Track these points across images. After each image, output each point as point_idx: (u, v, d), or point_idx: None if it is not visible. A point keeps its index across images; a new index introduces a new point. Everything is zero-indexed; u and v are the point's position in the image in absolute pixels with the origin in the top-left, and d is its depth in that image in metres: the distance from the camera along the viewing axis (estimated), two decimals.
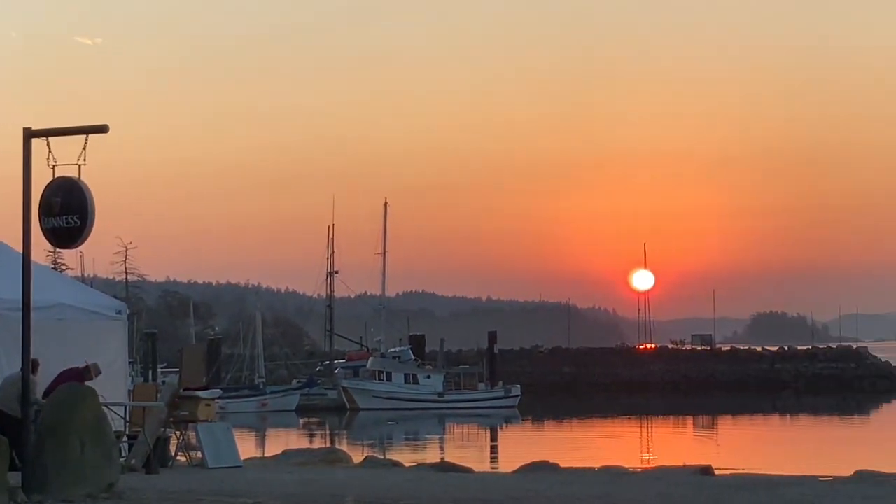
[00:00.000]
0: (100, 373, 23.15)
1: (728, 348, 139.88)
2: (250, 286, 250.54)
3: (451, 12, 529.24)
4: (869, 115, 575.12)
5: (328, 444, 62.30)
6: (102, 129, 17.92)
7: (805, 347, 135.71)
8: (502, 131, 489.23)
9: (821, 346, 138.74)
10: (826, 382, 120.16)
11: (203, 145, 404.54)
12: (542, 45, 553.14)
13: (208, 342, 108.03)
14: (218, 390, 37.10)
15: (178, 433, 26.54)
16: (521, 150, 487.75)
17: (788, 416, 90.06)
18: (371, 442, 69.37)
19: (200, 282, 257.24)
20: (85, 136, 17.83)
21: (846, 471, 26.47)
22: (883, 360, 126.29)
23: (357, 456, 33.04)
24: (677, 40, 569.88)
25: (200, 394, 26.56)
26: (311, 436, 75.64)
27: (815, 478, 25.47)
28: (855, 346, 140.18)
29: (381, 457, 36.12)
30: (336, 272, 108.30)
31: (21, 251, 18.19)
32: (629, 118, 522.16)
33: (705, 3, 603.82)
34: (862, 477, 24.59)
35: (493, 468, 45.62)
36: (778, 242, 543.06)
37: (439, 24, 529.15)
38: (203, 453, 26.01)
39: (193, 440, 26.75)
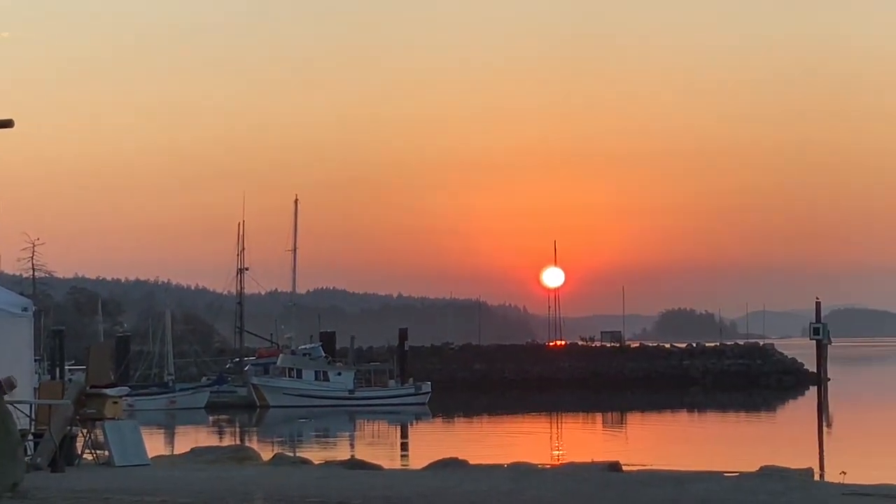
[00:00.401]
0: (14, 386, 22.73)
1: (637, 345, 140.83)
2: (160, 283, 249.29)
3: (353, 8, 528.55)
4: (773, 114, 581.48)
5: (237, 442, 62.00)
6: (8, 123, 17.74)
7: (713, 344, 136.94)
8: (414, 127, 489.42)
9: (728, 343, 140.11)
10: (733, 379, 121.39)
11: (113, 141, 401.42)
12: (451, 41, 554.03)
13: (117, 339, 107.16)
14: (125, 388, 36.76)
15: (84, 431, 26.29)
16: (432, 146, 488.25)
17: (696, 413, 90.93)
18: (281, 439, 69.15)
19: (109, 278, 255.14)
20: None
21: (752, 467, 26.78)
22: (789, 357, 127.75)
23: (266, 453, 32.95)
24: (585, 42, 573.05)
25: (107, 391, 26.34)
26: (221, 433, 75.25)
27: (721, 474, 25.71)
28: (762, 343, 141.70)
29: (291, 454, 36.01)
30: (246, 269, 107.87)
31: None
32: (538, 117, 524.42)
33: (611, 6, 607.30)
34: (767, 473, 24.88)
35: (403, 465, 45.66)
36: (687, 240, 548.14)
37: (345, 21, 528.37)
38: (110, 451, 25.80)
39: (100, 438, 26.53)
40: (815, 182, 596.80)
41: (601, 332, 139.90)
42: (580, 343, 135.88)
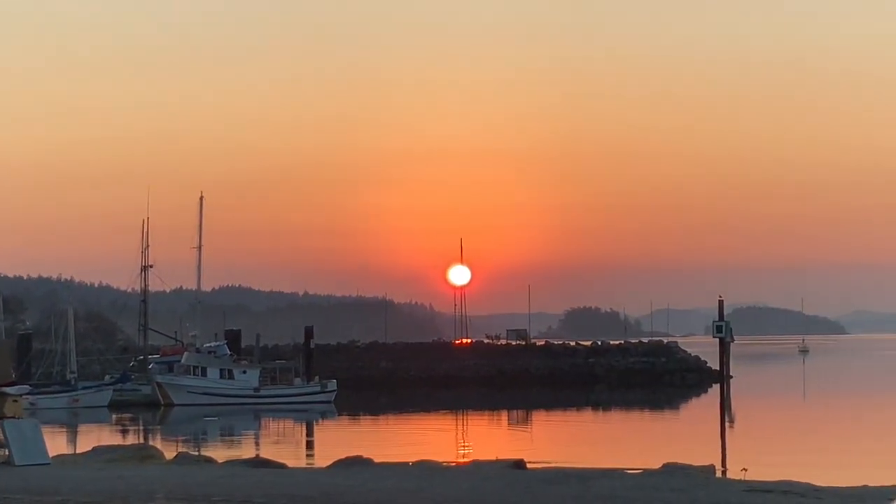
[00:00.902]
0: None
1: (542, 343, 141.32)
2: (63, 280, 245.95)
3: (257, 8, 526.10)
4: (674, 113, 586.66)
5: (141, 441, 61.43)
6: None
7: (618, 342, 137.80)
8: (321, 126, 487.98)
9: (633, 341, 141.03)
10: (638, 376, 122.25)
11: (13, 139, 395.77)
12: (355, 41, 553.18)
13: (18, 337, 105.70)
14: (26, 386, 36.34)
15: None
16: (339, 145, 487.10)
17: (601, 410, 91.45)
18: (185, 438, 68.62)
19: (11, 276, 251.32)
20: None
21: (655, 464, 26.97)
22: (692, 355, 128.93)
23: (170, 452, 32.68)
24: (485, 41, 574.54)
25: (7, 390, 26.00)
26: (124, 432, 74.53)
27: (624, 471, 25.88)
28: (666, 341, 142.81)
29: (195, 453, 35.74)
30: (151, 266, 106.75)
31: None
32: (445, 115, 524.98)
33: (512, 7, 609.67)
34: (669, 470, 25.08)
35: (308, 464, 45.49)
36: (592, 239, 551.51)
37: (246, 21, 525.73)
38: (9, 450, 25.46)
39: (0, 437, 26.16)
40: (719, 182, 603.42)
41: (507, 331, 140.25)
42: (486, 341, 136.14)
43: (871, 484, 25.60)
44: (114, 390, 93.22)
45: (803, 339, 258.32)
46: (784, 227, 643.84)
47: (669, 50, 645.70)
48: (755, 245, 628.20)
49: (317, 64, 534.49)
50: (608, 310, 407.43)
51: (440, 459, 30.66)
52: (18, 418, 25.93)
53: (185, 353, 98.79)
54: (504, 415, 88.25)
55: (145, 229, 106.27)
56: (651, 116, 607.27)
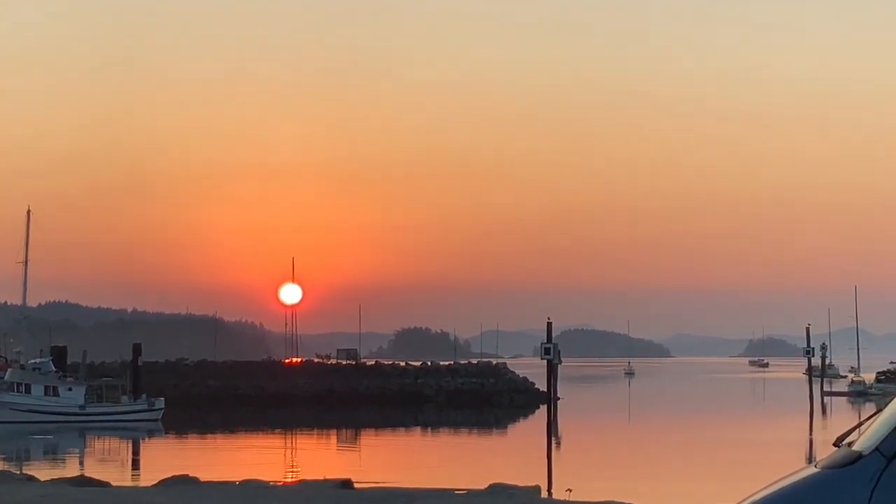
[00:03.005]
0: None
1: (373, 363, 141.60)
2: None
3: (77, 15, 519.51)
4: (511, 136, 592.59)
5: None
6: None
7: (447, 363, 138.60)
8: (151, 139, 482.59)
9: (462, 362, 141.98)
10: (467, 397, 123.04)
11: None
12: (197, 53, 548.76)
13: None
14: None
15: None
16: (169, 159, 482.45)
17: (430, 430, 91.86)
18: (6, 456, 67.26)
19: None
20: None
21: (481, 484, 27.24)
22: (521, 376, 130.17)
23: None
24: (311, 56, 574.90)
25: None
26: None
27: (451, 491, 26.09)
28: (494, 363, 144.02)
29: (16, 471, 35.12)
30: None
31: None
32: (280, 134, 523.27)
33: (382, 27, 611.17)
34: (495, 490, 25.36)
35: (133, 482, 44.96)
36: (423, 259, 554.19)
37: (72, 26, 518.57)
38: None
39: None
40: (549, 206, 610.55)
41: (337, 350, 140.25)
42: (316, 360, 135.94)
43: (691, 503, 26.17)
44: None
45: (629, 362, 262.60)
46: (611, 251, 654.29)
47: (509, 73, 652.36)
48: (583, 269, 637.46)
49: (148, 77, 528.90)
50: (438, 331, 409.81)
51: (267, 479, 30.57)
52: None
53: (9, 369, 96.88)
54: (333, 434, 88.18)
55: None
56: (486, 139, 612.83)
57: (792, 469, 7.35)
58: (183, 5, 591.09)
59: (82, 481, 27.46)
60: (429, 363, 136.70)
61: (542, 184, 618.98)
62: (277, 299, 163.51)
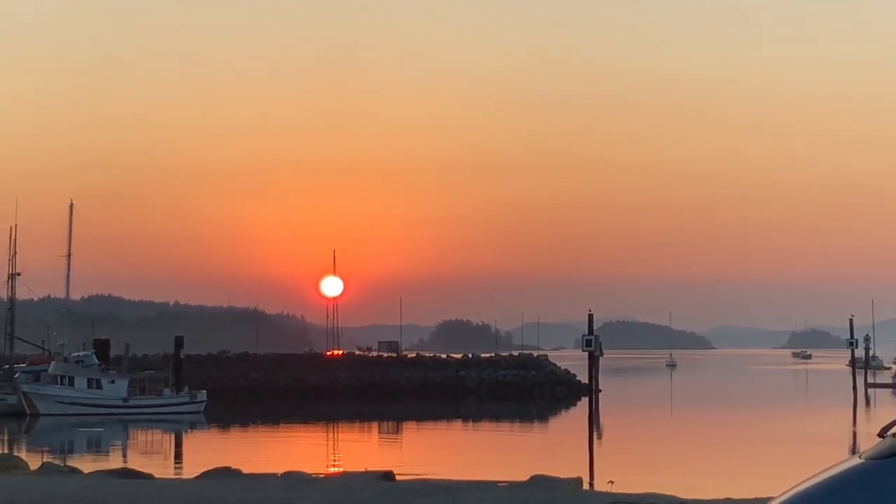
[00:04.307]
0: None
1: (414, 355, 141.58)
2: None
3: (125, 16, 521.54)
4: (546, 130, 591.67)
5: (5, 451, 60.49)
6: None
7: (488, 355, 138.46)
8: (193, 135, 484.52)
9: (503, 354, 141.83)
10: (508, 389, 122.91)
11: None
12: (228, 52, 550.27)
13: None
14: None
15: None
16: (212, 154, 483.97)
17: (471, 422, 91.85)
18: (51, 448, 67.70)
19: None
20: None
21: (523, 476, 27.21)
22: (562, 368, 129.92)
23: (35, 463, 32.25)
24: (357, 53, 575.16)
25: None
26: None
27: (493, 483, 26.06)
28: (536, 354, 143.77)
29: (60, 464, 35.32)
30: (18, 274, 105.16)
31: None
32: (318, 128, 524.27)
33: (412, 17, 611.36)
34: (537, 482, 25.32)
35: (176, 474, 45.14)
36: (464, 251, 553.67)
37: (117, 25, 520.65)
38: None
39: None
40: (589, 197, 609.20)
41: (378, 343, 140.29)
42: (357, 353, 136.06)
43: (734, 496, 26.08)
44: None
45: (671, 354, 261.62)
46: (653, 243, 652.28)
47: (546, 65, 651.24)
48: (625, 260, 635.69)
49: (189, 73, 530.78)
50: (479, 323, 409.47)
51: (309, 471, 30.62)
52: None
53: (53, 362, 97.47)
54: (375, 426, 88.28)
55: (13, 236, 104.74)
56: (526, 133, 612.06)
57: (836, 460, 7.30)
58: (235, 3, 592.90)
59: (125, 473, 27.59)
60: (470, 355, 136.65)
61: (585, 175, 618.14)
62: (319, 292, 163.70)
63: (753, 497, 25.48)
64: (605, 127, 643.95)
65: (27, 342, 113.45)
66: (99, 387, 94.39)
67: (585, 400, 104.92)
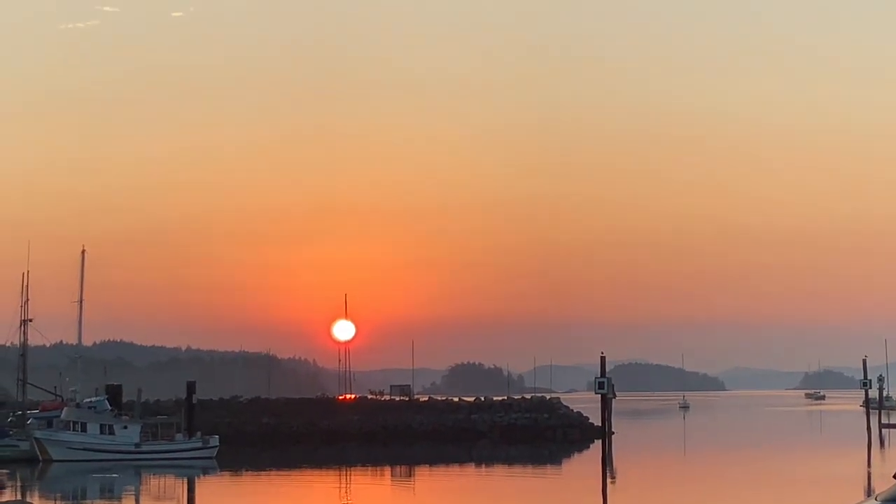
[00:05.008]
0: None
1: (426, 399, 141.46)
2: None
3: (136, 69, 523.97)
4: (557, 171, 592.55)
5: (18, 497, 60.50)
6: None
7: (501, 398, 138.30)
8: (203, 181, 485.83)
9: (516, 397, 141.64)
10: (521, 432, 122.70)
11: None
12: (232, 98, 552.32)
13: None
14: None
15: None
16: (221, 200, 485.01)
17: (484, 466, 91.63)
18: (63, 494, 67.68)
19: None
20: None
21: None
22: (575, 411, 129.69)
23: None
24: (363, 99, 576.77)
25: None
26: (1, 488, 73.24)
27: None
28: (548, 397, 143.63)
29: None
30: (30, 320, 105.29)
31: None
32: (327, 172, 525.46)
33: (421, 59, 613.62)
34: None
35: None
36: (476, 294, 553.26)
37: (126, 78, 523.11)
38: None
39: None
40: (600, 240, 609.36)
41: (391, 386, 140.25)
42: (370, 397, 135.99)
43: None
44: None
45: (684, 396, 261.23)
46: (664, 284, 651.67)
47: (555, 109, 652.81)
48: (636, 302, 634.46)
49: (200, 120, 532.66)
50: (491, 366, 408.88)
51: None
52: None
53: (65, 408, 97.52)
54: (387, 471, 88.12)
55: (25, 282, 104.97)
56: (535, 178, 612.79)
57: (851, 502, 7.34)
58: (246, 52, 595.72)
59: None
60: (482, 398, 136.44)
61: (597, 217, 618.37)
62: (331, 336, 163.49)
63: None
64: (617, 168, 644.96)
65: (39, 388, 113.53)
66: (111, 432, 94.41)
67: (598, 443, 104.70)
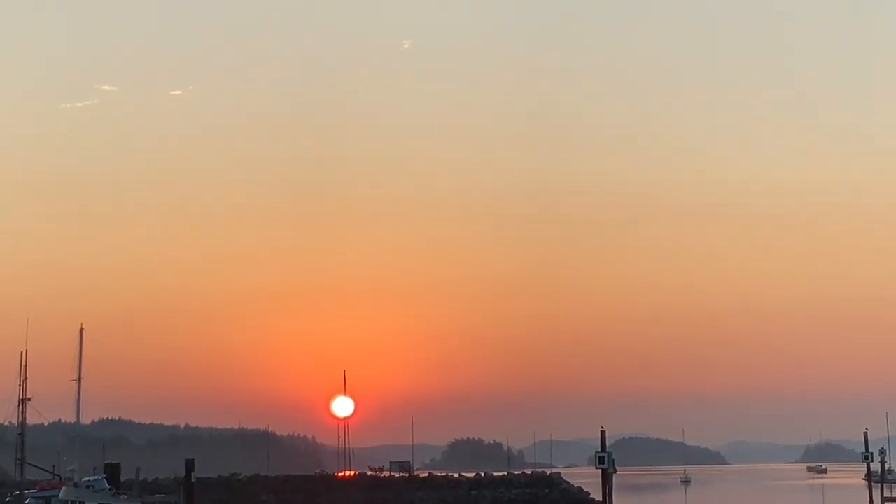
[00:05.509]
0: None
1: (426, 475, 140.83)
2: None
3: (129, 144, 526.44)
4: (555, 247, 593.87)
5: None
6: None
7: (501, 473, 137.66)
8: (201, 259, 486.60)
9: (516, 472, 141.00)
10: None
11: None
12: (243, 176, 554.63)
13: None
14: None
15: None
16: (219, 276, 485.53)
17: None
18: None
19: None
20: None
21: None
22: (575, 486, 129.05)
23: None
24: (356, 175, 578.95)
25: None
26: None
27: None
28: (549, 472, 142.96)
29: None
30: (28, 399, 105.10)
31: None
32: (330, 248, 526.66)
33: (420, 142, 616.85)
34: None
35: None
36: (475, 370, 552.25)
37: (121, 153, 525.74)
38: None
39: None
40: (600, 316, 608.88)
41: (391, 462, 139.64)
42: (369, 473, 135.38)
43: None
44: None
45: (685, 470, 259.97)
46: (664, 359, 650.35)
47: (554, 186, 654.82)
48: (636, 377, 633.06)
49: (195, 198, 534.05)
50: (491, 441, 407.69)
51: None
52: None
53: (63, 487, 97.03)
54: None
55: (23, 361, 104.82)
56: (533, 253, 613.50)
57: None
58: (245, 130, 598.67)
59: None
60: (482, 474, 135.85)
61: (594, 291, 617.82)
62: (330, 412, 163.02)
63: None
64: (613, 243, 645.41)
65: (38, 467, 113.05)
66: None
67: None
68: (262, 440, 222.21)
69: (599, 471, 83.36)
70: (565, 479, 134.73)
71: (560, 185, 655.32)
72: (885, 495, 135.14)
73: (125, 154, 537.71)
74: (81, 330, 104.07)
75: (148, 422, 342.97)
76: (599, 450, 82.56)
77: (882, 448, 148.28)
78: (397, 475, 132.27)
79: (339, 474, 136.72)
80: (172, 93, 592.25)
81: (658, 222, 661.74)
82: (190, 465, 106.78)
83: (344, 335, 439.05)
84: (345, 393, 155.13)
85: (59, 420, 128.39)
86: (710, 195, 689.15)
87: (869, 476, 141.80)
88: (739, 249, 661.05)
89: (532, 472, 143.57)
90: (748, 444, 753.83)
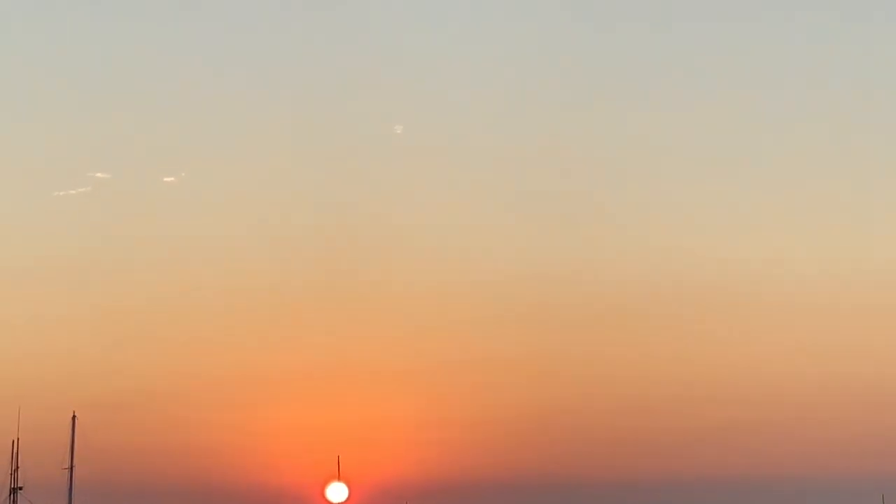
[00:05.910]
0: None
1: None
2: None
3: (122, 226, 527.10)
4: (556, 327, 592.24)
5: None
6: None
7: None
8: (195, 346, 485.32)
9: None
10: None
11: None
12: (236, 263, 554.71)
13: None
14: None
15: None
16: (212, 363, 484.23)
17: None
18: None
19: None
20: None
21: None
22: None
23: None
24: (348, 254, 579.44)
25: None
26: None
27: None
28: None
29: None
30: (20, 488, 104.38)
31: None
32: (323, 332, 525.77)
33: (417, 217, 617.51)
34: None
35: None
36: (472, 455, 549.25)
37: (113, 238, 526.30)
38: None
39: None
40: (600, 398, 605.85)
41: None
42: None
43: None
44: None
45: None
46: (667, 443, 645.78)
47: (554, 267, 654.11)
48: (639, 461, 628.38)
49: (190, 279, 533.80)
50: None
51: None
52: None
53: None
54: None
55: (15, 451, 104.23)
56: (529, 338, 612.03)
57: None
58: (240, 217, 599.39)
59: None
60: None
61: (593, 376, 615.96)
62: (324, 499, 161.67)
63: None
64: (611, 327, 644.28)
65: None
66: None
67: None
68: None
69: None
70: None
71: (563, 271, 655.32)
72: None
73: (117, 241, 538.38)
74: (74, 417, 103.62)
75: None
76: None
77: None
78: None
79: None
80: (165, 179, 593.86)
81: (654, 305, 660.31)
82: None
83: (337, 420, 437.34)
84: (339, 479, 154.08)
85: None
86: (702, 279, 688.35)
87: None
88: (742, 332, 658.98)
89: None
90: None
